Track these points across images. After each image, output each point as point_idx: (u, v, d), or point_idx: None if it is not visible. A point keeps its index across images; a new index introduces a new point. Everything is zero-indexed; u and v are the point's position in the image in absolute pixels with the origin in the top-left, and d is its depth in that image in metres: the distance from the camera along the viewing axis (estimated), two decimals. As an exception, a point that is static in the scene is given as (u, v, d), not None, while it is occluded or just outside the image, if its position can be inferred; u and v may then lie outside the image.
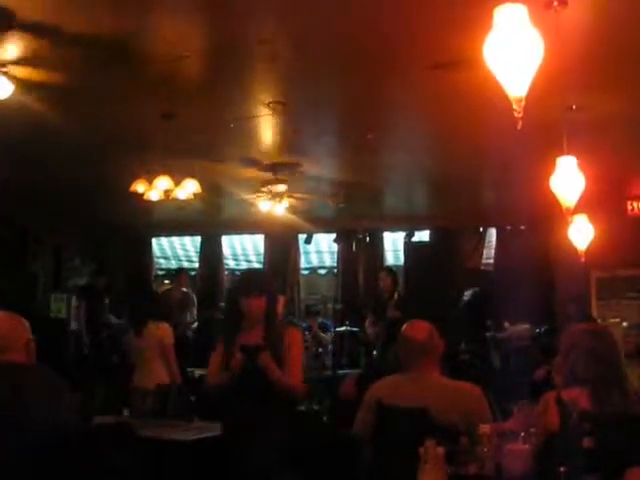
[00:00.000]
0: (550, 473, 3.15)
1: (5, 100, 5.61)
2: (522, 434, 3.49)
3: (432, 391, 4.18)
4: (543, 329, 9.91)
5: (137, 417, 6.22)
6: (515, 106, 3.16)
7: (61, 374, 3.83)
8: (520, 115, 3.15)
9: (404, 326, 4.50)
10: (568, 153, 5.80)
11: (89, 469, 3.64)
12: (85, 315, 11.44)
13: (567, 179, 5.75)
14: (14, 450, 3.43)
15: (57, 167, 8.81)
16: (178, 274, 12.18)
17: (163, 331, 7.36)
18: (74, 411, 3.79)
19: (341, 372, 10.07)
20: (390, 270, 10.76)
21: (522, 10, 3.22)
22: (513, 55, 3.17)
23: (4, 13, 4.77)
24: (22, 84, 5.78)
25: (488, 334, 10.13)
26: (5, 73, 5.46)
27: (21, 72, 5.64)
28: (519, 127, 3.09)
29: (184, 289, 11.78)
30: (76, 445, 3.67)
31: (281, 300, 10.24)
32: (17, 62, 5.48)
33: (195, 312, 11.95)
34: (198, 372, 9.31)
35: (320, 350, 10.58)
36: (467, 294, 10.63)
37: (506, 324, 10.31)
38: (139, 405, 6.93)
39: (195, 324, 11.81)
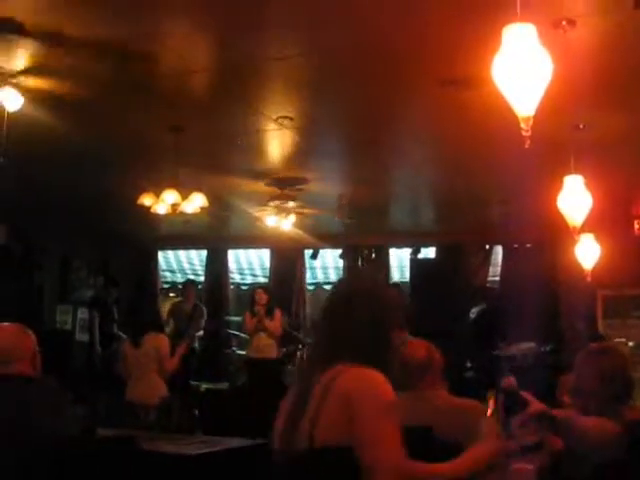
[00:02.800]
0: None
1: (14, 112, 5.63)
2: (526, 453, 3.46)
3: (435, 409, 4.16)
4: (548, 347, 9.89)
5: (140, 430, 6.21)
6: (523, 125, 3.17)
7: (66, 386, 3.83)
8: (528, 134, 3.15)
9: (402, 347, 4.48)
10: (575, 172, 5.80)
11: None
12: (98, 327, 11.48)
13: (574, 198, 5.75)
14: (17, 462, 3.43)
15: (64, 178, 8.83)
16: (186, 286, 12.18)
17: (160, 341, 7.38)
18: (77, 423, 3.78)
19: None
20: (395, 286, 10.74)
21: (531, 29, 3.22)
22: (521, 74, 3.17)
23: (13, 25, 4.80)
24: (31, 96, 5.81)
25: (494, 352, 10.10)
26: (15, 85, 5.49)
27: (30, 84, 5.68)
28: (527, 146, 3.09)
29: (194, 301, 11.79)
30: (79, 457, 3.66)
31: (278, 313, 10.31)
32: (26, 74, 5.51)
33: (203, 324, 11.95)
34: (204, 386, 9.33)
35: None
36: (474, 311, 10.60)
37: (511, 342, 10.28)
38: (139, 419, 6.93)
39: (199, 333, 11.81)
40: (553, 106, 3.66)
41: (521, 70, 3.18)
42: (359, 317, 2.74)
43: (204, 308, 12.10)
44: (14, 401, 3.57)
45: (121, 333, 11.81)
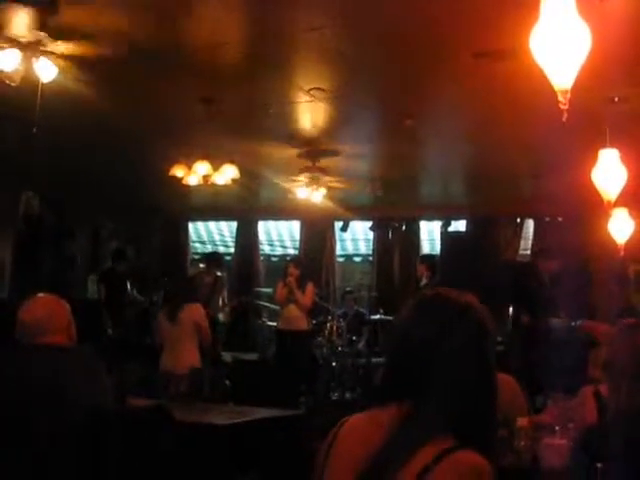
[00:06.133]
0: (587, 468, 3.12)
1: (48, 83, 5.65)
2: (558, 428, 3.46)
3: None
4: (579, 322, 9.82)
5: (172, 400, 6.27)
6: (560, 98, 3.13)
7: (99, 356, 3.87)
8: (566, 107, 3.11)
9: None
10: (610, 145, 5.74)
11: (126, 449, 3.68)
12: (104, 298, 11.44)
13: (609, 172, 5.69)
14: (55, 429, 3.48)
15: (97, 149, 8.87)
16: (211, 258, 12.11)
17: (198, 312, 7.42)
18: (111, 393, 3.82)
19: (375, 360, 10.08)
20: (425, 258, 10.73)
21: (569, 0, 3.17)
22: (560, 46, 3.13)
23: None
24: (65, 68, 5.82)
25: (524, 325, 10.04)
26: (49, 55, 5.50)
27: (64, 56, 5.68)
28: (564, 119, 3.05)
29: (218, 273, 11.69)
30: (111, 426, 3.70)
31: (310, 287, 10.32)
32: (61, 45, 5.52)
33: (226, 295, 11.91)
34: (234, 357, 9.36)
35: (354, 338, 10.59)
36: (506, 283, 10.51)
37: (543, 316, 10.22)
38: (171, 389, 6.99)
39: (227, 308, 11.80)
40: (587, 79, 3.61)
41: (560, 41, 3.13)
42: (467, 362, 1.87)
43: (225, 279, 12.04)
44: (50, 370, 3.61)
45: (138, 295, 11.80)
